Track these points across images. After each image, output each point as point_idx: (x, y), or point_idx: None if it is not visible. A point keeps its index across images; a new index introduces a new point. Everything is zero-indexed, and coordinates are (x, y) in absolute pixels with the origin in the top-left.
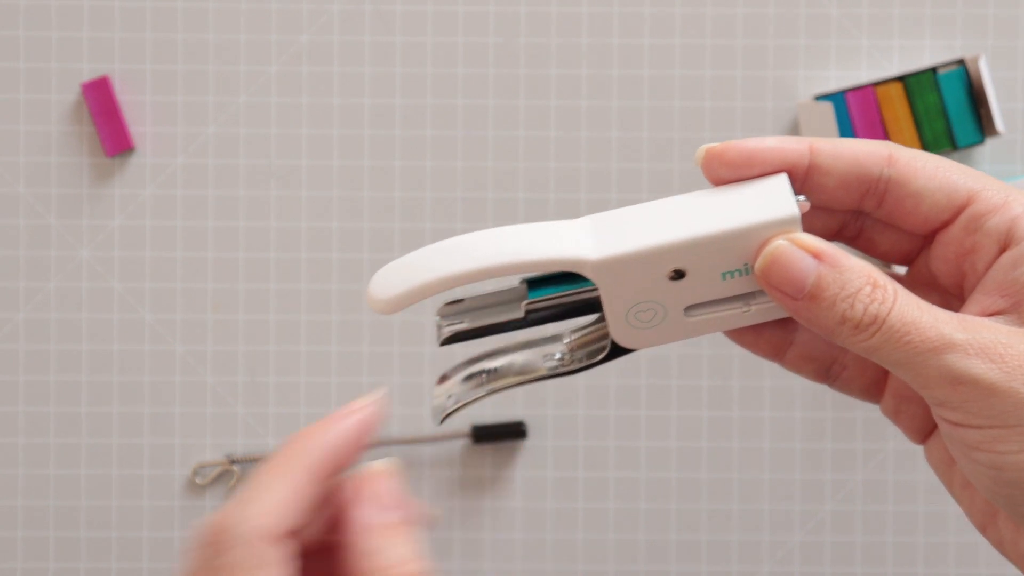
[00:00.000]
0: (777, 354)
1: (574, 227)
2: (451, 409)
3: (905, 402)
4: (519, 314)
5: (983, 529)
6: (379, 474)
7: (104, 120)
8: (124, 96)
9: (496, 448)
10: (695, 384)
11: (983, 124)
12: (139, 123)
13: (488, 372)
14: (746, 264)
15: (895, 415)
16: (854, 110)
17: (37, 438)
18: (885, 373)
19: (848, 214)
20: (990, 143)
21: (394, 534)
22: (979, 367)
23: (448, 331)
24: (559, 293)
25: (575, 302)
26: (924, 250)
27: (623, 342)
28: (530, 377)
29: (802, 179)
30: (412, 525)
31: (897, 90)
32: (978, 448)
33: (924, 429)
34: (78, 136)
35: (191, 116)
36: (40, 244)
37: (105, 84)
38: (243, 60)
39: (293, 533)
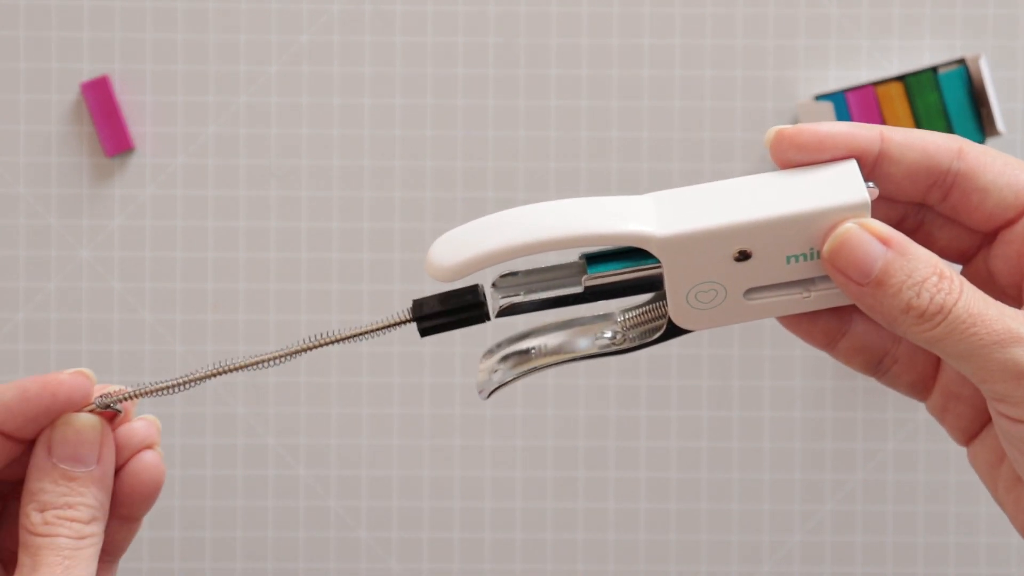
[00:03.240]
0: (829, 343)
1: (638, 202)
2: (496, 385)
3: (953, 401)
4: (579, 288)
5: None
6: (66, 429)
7: (104, 120)
8: (124, 96)
9: (496, 449)
10: (695, 384)
11: (983, 124)
12: (139, 123)
13: (535, 349)
14: (812, 248)
15: (942, 413)
16: (854, 110)
17: None
18: (935, 370)
19: (910, 206)
20: (990, 143)
21: (58, 480)
22: None
23: (504, 303)
24: (621, 269)
25: (636, 279)
26: (984, 248)
27: (681, 322)
28: (580, 355)
29: (871, 167)
30: (89, 482)
31: (897, 90)
32: None
33: (970, 430)
34: (78, 136)
35: (191, 116)
36: (40, 244)
37: (105, 84)
38: (243, 60)
39: None
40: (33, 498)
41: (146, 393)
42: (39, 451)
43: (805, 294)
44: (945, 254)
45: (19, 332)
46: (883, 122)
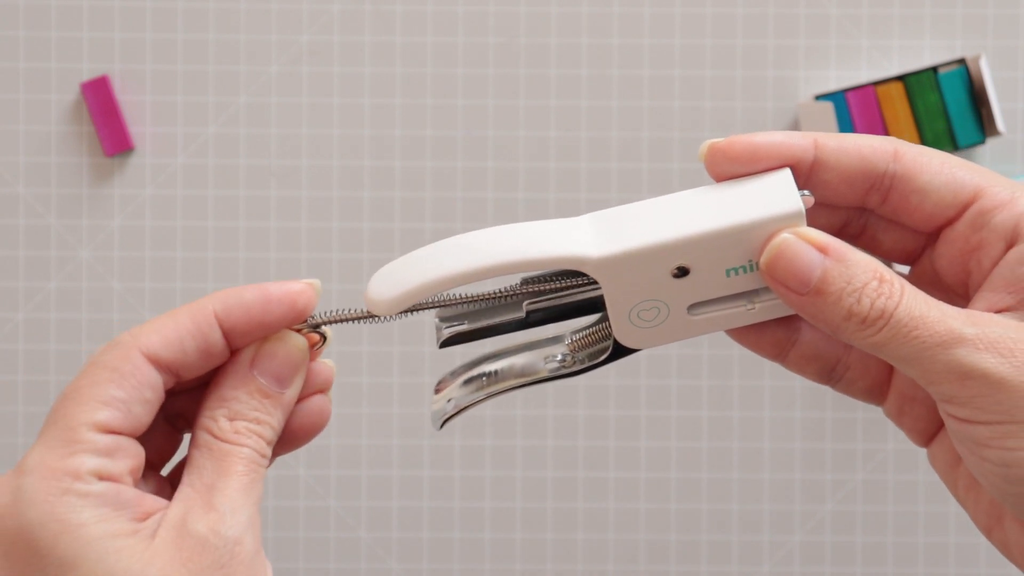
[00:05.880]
0: (780, 354)
1: (575, 224)
2: (451, 413)
3: (909, 403)
4: (520, 314)
5: (988, 532)
6: (278, 345)
7: (104, 120)
8: (124, 96)
9: (496, 449)
10: (695, 384)
11: (984, 124)
12: (139, 123)
13: (488, 375)
14: (751, 261)
15: (899, 417)
16: (854, 110)
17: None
18: (889, 374)
19: (851, 211)
20: (991, 143)
21: (254, 393)
22: (989, 361)
23: (448, 332)
24: (561, 293)
25: (577, 301)
26: (928, 248)
27: (626, 342)
28: (531, 379)
29: (806, 174)
30: (279, 404)
31: (898, 90)
32: (987, 445)
33: (928, 431)
34: (78, 136)
35: (191, 116)
36: (40, 244)
37: (105, 84)
38: (243, 60)
39: (174, 366)
40: (225, 404)
41: (343, 319)
42: (243, 360)
43: (749, 306)
44: (891, 256)
45: (19, 332)
46: (884, 122)
